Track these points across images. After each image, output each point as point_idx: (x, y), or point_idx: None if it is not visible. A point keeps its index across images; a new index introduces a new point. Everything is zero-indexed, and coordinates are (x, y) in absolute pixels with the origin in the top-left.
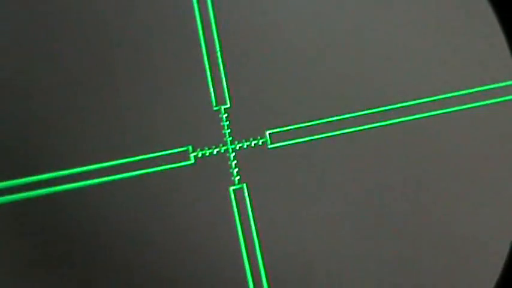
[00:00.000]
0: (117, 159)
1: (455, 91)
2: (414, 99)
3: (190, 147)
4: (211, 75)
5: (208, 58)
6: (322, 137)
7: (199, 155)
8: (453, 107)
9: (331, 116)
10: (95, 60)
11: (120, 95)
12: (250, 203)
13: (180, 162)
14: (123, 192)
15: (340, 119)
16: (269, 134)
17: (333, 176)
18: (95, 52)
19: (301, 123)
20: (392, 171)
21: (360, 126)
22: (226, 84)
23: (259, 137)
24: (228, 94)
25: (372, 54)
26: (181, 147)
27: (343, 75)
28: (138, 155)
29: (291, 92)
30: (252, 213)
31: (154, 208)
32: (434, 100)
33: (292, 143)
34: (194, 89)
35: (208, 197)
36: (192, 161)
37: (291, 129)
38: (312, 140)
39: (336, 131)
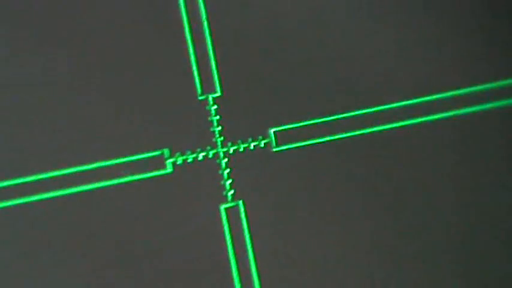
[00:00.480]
0: (70, 167)
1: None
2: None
3: (166, 151)
4: (195, 53)
5: (191, 33)
6: (344, 136)
7: (179, 161)
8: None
9: (352, 110)
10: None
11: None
12: (247, 227)
13: (153, 171)
14: (79, 209)
15: (358, 114)
16: (274, 132)
17: (357, 188)
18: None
19: (317, 118)
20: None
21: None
22: (216, 66)
23: (260, 137)
24: (219, 79)
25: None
26: (155, 150)
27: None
28: (95, 162)
29: (303, 77)
30: (250, 240)
31: (116, 230)
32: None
33: (306, 145)
34: (172, 71)
35: (190, 218)
36: (169, 169)
37: (303, 126)
38: (331, 140)
39: (358, 129)
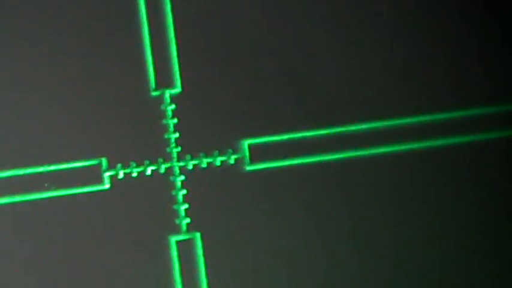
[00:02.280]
0: None
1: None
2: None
3: (104, 161)
4: (150, 34)
5: (146, 8)
6: (339, 157)
7: (120, 175)
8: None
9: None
10: None
11: None
12: (204, 268)
13: (86, 185)
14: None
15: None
16: (248, 146)
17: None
18: None
19: (305, 130)
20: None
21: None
22: (177, 52)
23: (230, 151)
24: (179, 69)
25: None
26: (89, 160)
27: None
28: (12, 170)
29: (291, 77)
30: (207, 285)
31: (36, 256)
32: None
33: (289, 164)
34: (118, 57)
35: (130, 251)
36: (107, 184)
37: (287, 140)
38: (321, 160)
39: (353, 148)
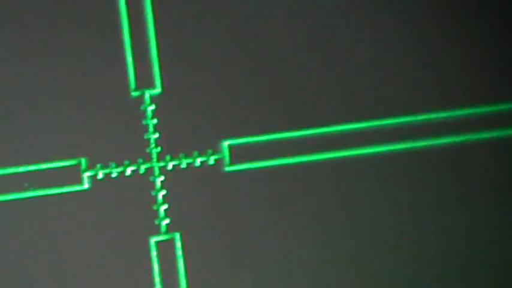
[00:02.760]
0: None
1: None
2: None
3: (83, 161)
4: (130, 34)
5: (127, 8)
6: (321, 158)
7: (99, 175)
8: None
9: (327, 125)
10: None
11: None
12: (183, 268)
13: (65, 185)
14: None
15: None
16: (228, 146)
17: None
18: None
19: (287, 131)
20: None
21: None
22: (157, 52)
23: (210, 152)
24: (159, 69)
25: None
26: (68, 160)
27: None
28: None
29: (274, 76)
30: (186, 285)
31: (15, 259)
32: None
33: (269, 165)
34: (98, 57)
35: (110, 252)
36: (86, 184)
37: (268, 141)
38: (303, 162)
39: (332, 149)
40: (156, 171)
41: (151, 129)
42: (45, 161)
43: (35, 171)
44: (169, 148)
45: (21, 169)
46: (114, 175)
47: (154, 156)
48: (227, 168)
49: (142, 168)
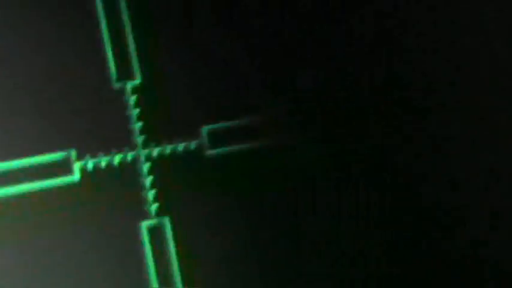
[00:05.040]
0: None
1: None
2: None
3: (72, 153)
4: (108, 27)
5: (104, 8)
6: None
7: (89, 165)
8: None
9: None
10: None
11: None
12: (175, 251)
13: (56, 177)
14: None
15: None
16: (208, 132)
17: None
18: None
19: (264, 115)
20: None
21: None
22: (135, 43)
23: (191, 138)
24: (139, 63)
25: None
26: (58, 152)
27: None
28: None
29: (250, 63)
30: (178, 267)
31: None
32: None
33: (247, 149)
34: (79, 50)
35: (103, 239)
36: (77, 175)
37: (245, 126)
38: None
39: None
40: (143, 159)
41: (134, 118)
42: (35, 153)
43: (27, 164)
44: (153, 136)
45: (15, 163)
46: (102, 164)
47: (139, 144)
48: (208, 153)
49: (129, 156)
